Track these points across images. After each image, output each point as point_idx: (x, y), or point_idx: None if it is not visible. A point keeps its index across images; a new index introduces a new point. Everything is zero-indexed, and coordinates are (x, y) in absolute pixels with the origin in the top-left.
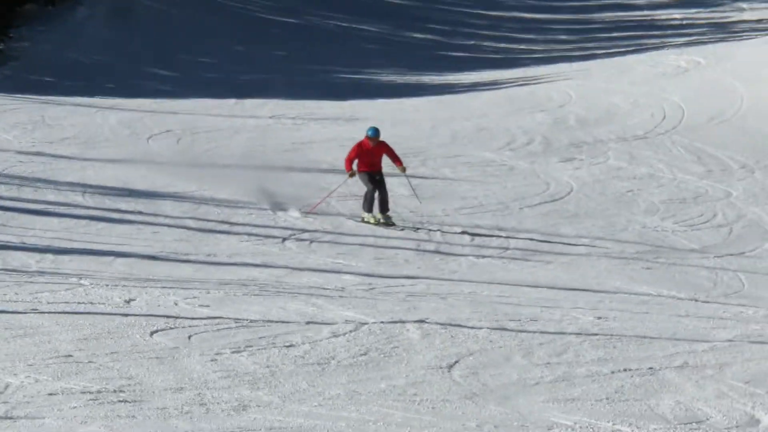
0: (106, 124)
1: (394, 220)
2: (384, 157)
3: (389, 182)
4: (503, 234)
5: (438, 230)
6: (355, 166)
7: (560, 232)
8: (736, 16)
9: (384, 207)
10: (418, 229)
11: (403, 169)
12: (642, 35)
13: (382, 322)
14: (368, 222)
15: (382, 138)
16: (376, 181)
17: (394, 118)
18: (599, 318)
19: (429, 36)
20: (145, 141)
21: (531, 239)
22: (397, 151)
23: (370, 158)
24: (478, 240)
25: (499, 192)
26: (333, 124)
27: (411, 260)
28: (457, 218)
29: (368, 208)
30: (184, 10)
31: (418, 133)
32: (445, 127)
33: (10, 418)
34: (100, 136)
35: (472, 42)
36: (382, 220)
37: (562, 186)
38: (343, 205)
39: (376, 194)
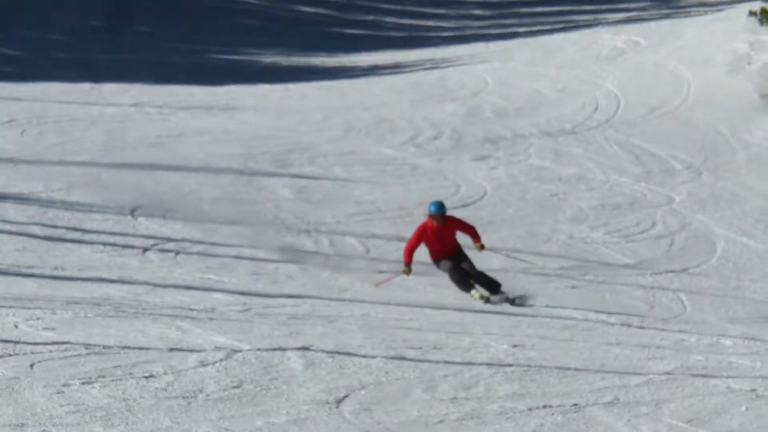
0: None
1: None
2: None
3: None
4: (404, 245)
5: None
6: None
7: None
8: None
9: (490, 286)
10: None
11: (481, 246)
12: (572, 10)
13: (258, 350)
14: (476, 299)
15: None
16: (454, 260)
17: (279, 107)
18: (514, 346)
19: (320, 10)
20: None
21: None
22: (279, 148)
23: (440, 243)
24: (374, 251)
25: (401, 195)
26: (206, 114)
27: (294, 276)
28: (350, 226)
29: (465, 287)
30: None
31: (305, 125)
32: (338, 118)
33: None
34: None
35: (371, 17)
36: (498, 300)
37: (474, 188)
38: (216, 208)
39: (463, 269)
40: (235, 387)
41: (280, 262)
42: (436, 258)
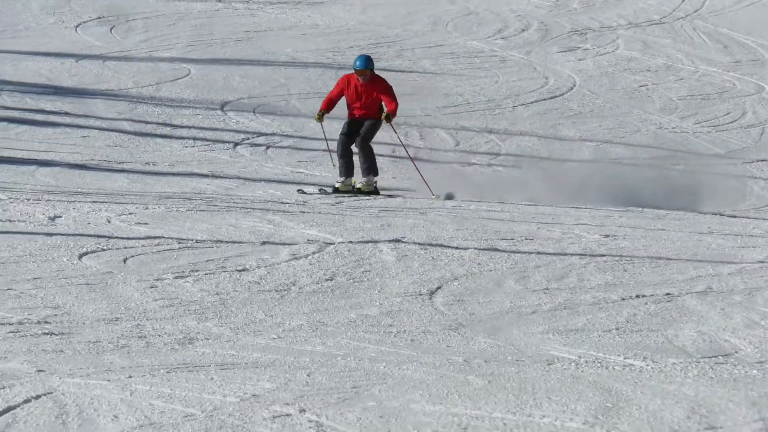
0: (26, 10)
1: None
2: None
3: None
4: (494, 137)
5: (417, 132)
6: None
7: (561, 135)
8: None
9: (368, 168)
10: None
11: (388, 118)
12: None
13: (350, 242)
14: (342, 188)
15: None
16: (355, 129)
17: (364, 1)
18: (606, 236)
19: None
20: (73, 29)
21: (526, 143)
22: (366, 42)
23: (359, 101)
24: (464, 144)
25: (489, 88)
26: (293, 9)
27: (385, 168)
28: (439, 118)
29: (344, 170)
30: None
31: (392, 19)
32: (424, 12)
33: None
34: (19, 24)
35: None
36: (364, 184)
37: (563, 80)
38: (304, 103)
39: (357, 144)
40: (327, 280)
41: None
42: (349, 117)
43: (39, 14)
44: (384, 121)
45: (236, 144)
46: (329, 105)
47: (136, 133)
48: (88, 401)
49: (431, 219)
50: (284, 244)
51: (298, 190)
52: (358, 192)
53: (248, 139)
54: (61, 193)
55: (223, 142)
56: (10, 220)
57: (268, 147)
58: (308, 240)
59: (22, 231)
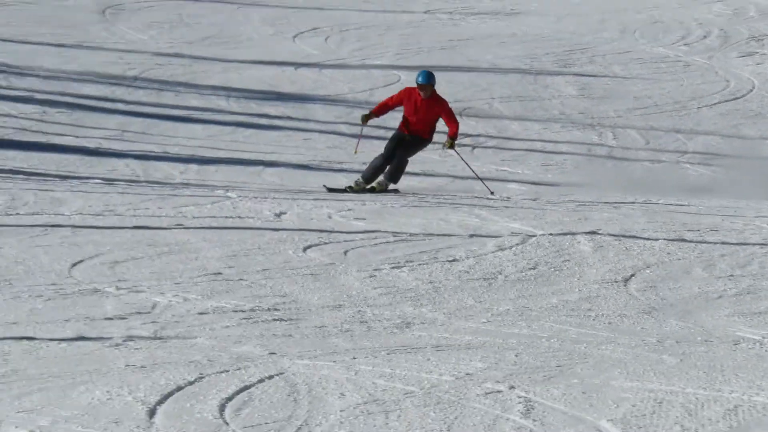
0: (249, 22)
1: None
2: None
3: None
4: (680, 136)
5: (611, 132)
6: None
7: (742, 134)
8: None
9: (393, 175)
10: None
11: (451, 144)
12: None
13: (551, 234)
14: (341, 187)
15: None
16: (400, 144)
17: (559, 11)
18: None
19: None
20: (291, 39)
21: (711, 142)
22: (561, 49)
23: (415, 116)
24: (653, 143)
25: (675, 90)
26: (492, 19)
27: (581, 166)
28: (630, 119)
29: (367, 175)
30: None
31: (584, 27)
32: (614, 20)
33: (160, 338)
34: (242, 35)
35: None
36: (376, 185)
37: (743, 83)
38: (506, 106)
39: (394, 155)
40: (530, 269)
41: (568, 154)
42: (401, 129)
43: (260, 26)
44: (446, 147)
45: (444, 145)
46: (382, 110)
47: (352, 135)
48: (316, 380)
49: (624, 212)
50: (490, 236)
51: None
52: (371, 191)
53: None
54: (285, 192)
55: (433, 143)
56: (239, 217)
57: (474, 147)
58: (512, 233)
59: (251, 226)
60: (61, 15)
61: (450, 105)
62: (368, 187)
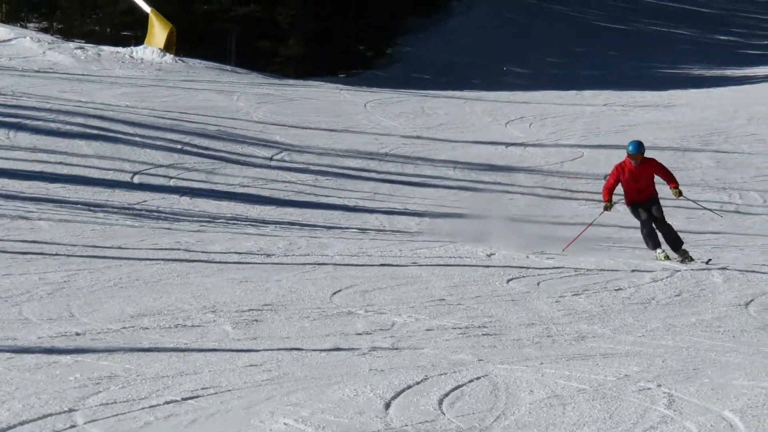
0: (472, 113)
1: (691, 254)
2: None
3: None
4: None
5: (738, 194)
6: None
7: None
8: None
9: (674, 242)
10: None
11: (678, 193)
12: None
13: (692, 270)
14: (660, 260)
15: (648, 154)
16: (649, 211)
17: (703, 104)
18: None
19: (731, 37)
20: (504, 125)
21: None
22: (703, 132)
23: (635, 183)
24: None
25: None
26: (654, 110)
27: (715, 218)
28: (753, 184)
29: (652, 245)
30: (534, 19)
31: (721, 116)
32: (744, 110)
33: (396, 348)
34: (467, 122)
35: (766, 42)
36: (678, 258)
37: None
38: None
39: (655, 226)
40: (676, 295)
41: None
42: (631, 200)
43: (481, 115)
44: (677, 197)
45: (615, 203)
46: (610, 193)
47: (546, 196)
48: (512, 380)
49: (747, 253)
50: (647, 271)
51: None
52: (684, 260)
53: (621, 200)
54: (494, 237)
55: (600, 201)
56: (460, 257)
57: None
58: (663, 268)
59: (468, 264)
60: (333, 107)
61: (659, 161)
62: (678, 258)
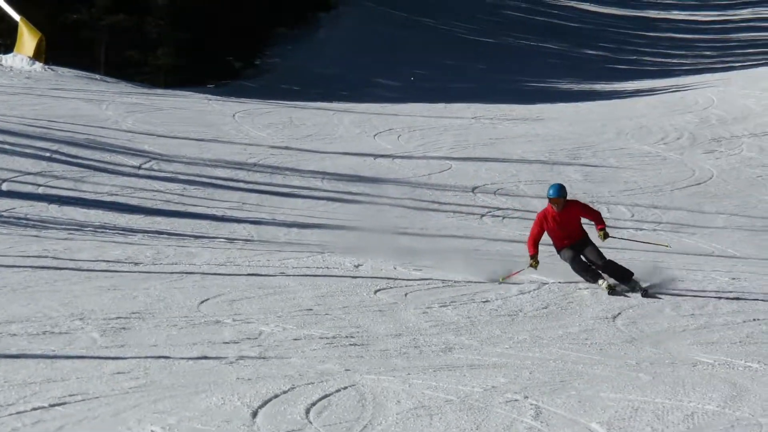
0: (341, 124)
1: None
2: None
3: None
4: (657, 211)
5: (606, 207)
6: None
7: (703, 209)
8: None
9: (622, 276)
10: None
11: (605, 235)
12: None
13: (560, 282)
14: (604, 290)
15: (570, 196)
16: (575, 250)
17: (572, 118)
18: (734, 278)
19: (600, 52)
20: (372, 137)
21: (679, 215)
22: (572, 146)
23: (562, 231)
24: (637, 214)
25: (654, 177)
26: (522, 123)
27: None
28: (620, 198)
29: (591, 278)
30: (405, 32)
31: (590, 130)
32: (612, 125)
33: (263, 358)
34: (335, 134)
35: (635, 57)
36: (627, 289)
37: (705, 172)
38: (529, 188)
39: (585, 258)
40: (544, 308)
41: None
42: (559, 247)
43: (349, 127)
44: (603, 239)
45: (482, 215)
46: (536, 247)
47: (414, 208)
48: (379, 391)
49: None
50: (515, 284)
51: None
52: (644, 293)
53: (491, 212)
54: (363, 249)
55: (473, 214)
56: (327, 267)
57: (503, 217)
58: (531, 281)
59: (336, 274)
60: (202, 117)
61: (582, 201)
62: (639, 287)
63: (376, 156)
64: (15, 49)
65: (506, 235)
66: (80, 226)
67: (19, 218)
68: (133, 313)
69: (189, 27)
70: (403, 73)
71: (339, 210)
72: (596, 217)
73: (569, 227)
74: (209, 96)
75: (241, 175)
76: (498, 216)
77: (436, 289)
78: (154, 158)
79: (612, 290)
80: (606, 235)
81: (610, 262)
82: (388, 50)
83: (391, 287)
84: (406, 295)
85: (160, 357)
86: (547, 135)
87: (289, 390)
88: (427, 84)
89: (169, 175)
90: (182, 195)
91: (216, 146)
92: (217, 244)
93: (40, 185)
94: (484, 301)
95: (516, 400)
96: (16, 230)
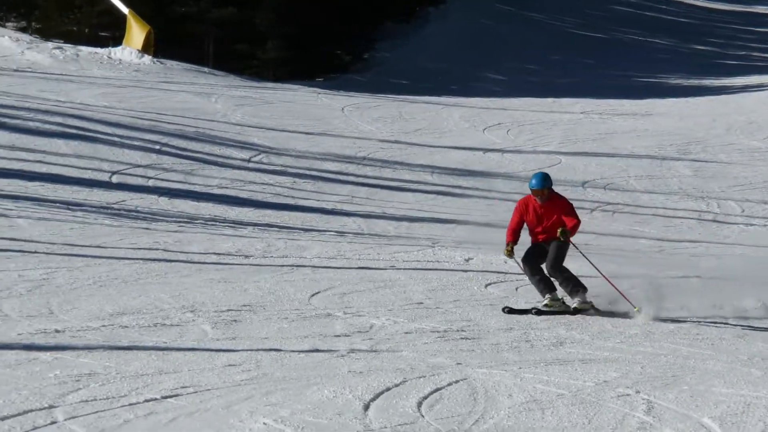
0: (450, 118)
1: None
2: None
3: None
4: None
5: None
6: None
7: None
8: None
9: (572, 290)
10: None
11: (563, 234)
12: None
13: (671, 278)
14: (549, 306)
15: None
16: (540, 254)
17: (681, 113)
18: None
19: (709, 47)
20: (481, 131)
21: None
22: (681, 141)
23: (539, 223)
24: (747, 210)
25: (765, 172)
26: (632, 119)
27: (693, 227)
28: (730, 193)
29: (543, 288)
30: (513, 26)
31: (700, 126)
32: (721, 120)
33: (375, 351)
34: (445, 128)
35: (743, 52)
36: (574, 305)
37: None
38: (639, 183)
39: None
40: None
41: (684, 218)
42: (534, 241)
43: (459, 121)
44: (558, 237)
45: (592, 210)
46: (515, 236)
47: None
48: (491, 384)
49: (725, 261)
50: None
51: (505, 309)
52: (575, 311)
53: (600, 207)
54: (473, 243)
55: (583, 208)
56: (438, 261)
57: (614, 212)
58: (642, 276)
59: (446, 268)
60: (311, 111)
61: (570, 202)
62: (573, 307)
63: (485, 150)
64: (124, 42)
65: (616, 230)
66: (190, 219)
67: (130, 210)
68: (244, 305)
69: (298, 21)
70: (511, 67)
71: (449, 204)
72: (572, 223)
73: (549, 223)
74: (318, 89)
75: (350, 168)
76: (608, 211)
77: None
78: (264, 151)
79: (576, 311)
80: (565, 235)
81: (563, 268)
82: (495, 45)
83: (501, 281)
84: (516, 289)
85: (271, 350)
86: (657, 130)
87: (400, 383)
88: (533, 78)
89: (278, 168)
90: (292, 188)
91: (325, 140)
92: (328, 237)
93: (150, 178)
94: (595, 296)
95: (628, 395)
96: (127, 222)
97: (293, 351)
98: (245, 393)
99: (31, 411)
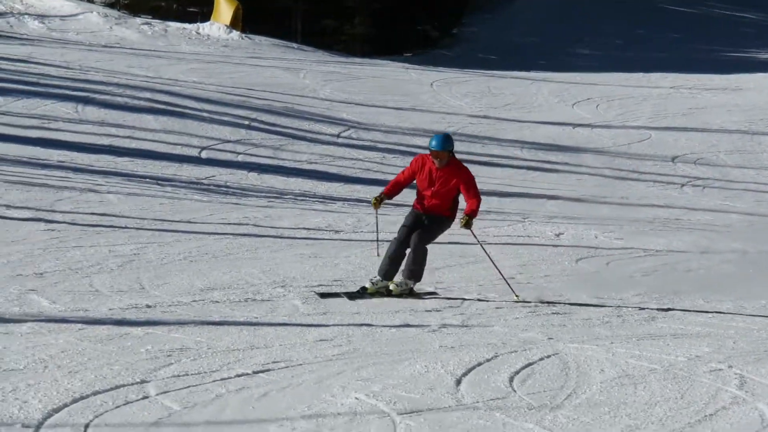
0: (539, 93)
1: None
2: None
3: None
4: None
5: None
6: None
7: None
8: None
9: (412, 272)
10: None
11: (466, 223)
12: None
13: (762, 252)
14: (371, 289)
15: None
16: (416, 230)
17: None
18: None
19: None
20: (571, 106)
21: None
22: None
23: (429, 186)
24: None
25: None
26: (721, 93)
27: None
28: None
29: (387, 273)
30: (601, 1)
31: None
32: None
33: (466, 326)
34: (534, 103)
35: None
36: (390, 287)
37: None
38: (729, 158)
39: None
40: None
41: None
42: (416, 205)
43: (548, 96)
44: (461, 226)
45: (682, 185)
46: (394, 188)
47: (614, 177)
48: (583, 359)
49: None
50: (717, 252)
51: (320, 294)
52: (389, 294)
53: (691, 182)
54: (563, 218)
55: (673, 183)
56: (528, 236)
57: (704, 187)
58: (733, 250)
59: (537, 243)
60: (400, 86)
61: (472, 174)
62: (388, 289)
63: (575, 125)
64: (212, 18)
65: (707, 205)
66: (280, 194)
67: (219, 186)
68: (335, 280)
69: None
70: (599, 42)
71: (538, 179)
72: (473, 198)
73: (442, 189)
74: (406, 65)
75: None
76: (698, 186)
77: (638, 257)
78: (353, 126)
79: (389, 293)
80: (468, 225)
81: (424, 249)
82: (584, 19)
83: (592, 256)
84: (607, 263)
85: (362, 325)
86: (747, 105)
87: (492, 358)
88: (622, 53)
89: (367, 143)
90: (381, 163)
91: (414, 115)
92: None
93: (239, 153)
94: (686, 270)
95: (720, 370)
96: (217, 198)
97: (384, 326)
98: (337, 368)
99: (123, 386)
